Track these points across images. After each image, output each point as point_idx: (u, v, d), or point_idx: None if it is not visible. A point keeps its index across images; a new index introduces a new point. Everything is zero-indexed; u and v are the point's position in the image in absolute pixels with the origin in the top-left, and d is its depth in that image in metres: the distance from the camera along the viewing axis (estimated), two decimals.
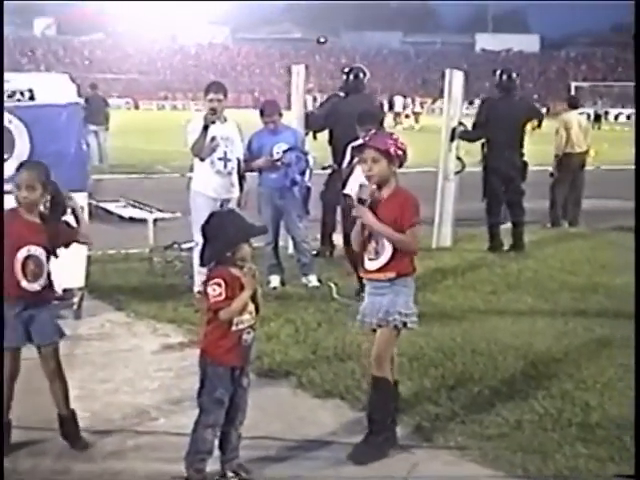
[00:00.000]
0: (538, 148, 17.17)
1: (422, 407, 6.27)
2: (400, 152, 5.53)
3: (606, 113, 68.08)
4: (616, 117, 74.18)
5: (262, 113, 10.15)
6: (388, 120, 28.12)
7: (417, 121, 51.59)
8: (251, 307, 5.14)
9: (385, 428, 5.61)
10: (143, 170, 23.21)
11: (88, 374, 6.94)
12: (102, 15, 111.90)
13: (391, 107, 50.60)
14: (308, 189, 10.17)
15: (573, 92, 68.17)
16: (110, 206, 13.73)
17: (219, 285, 5.01)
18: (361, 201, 5.51)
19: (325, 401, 6.45)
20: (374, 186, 5.52)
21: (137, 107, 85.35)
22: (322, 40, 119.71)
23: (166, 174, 22.62)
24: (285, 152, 9.92)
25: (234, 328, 5.09)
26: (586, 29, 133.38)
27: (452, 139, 12.75)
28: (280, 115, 10.23)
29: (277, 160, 9.89)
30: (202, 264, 5.34)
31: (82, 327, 8.30)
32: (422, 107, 60.97)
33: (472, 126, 12.72)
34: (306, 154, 10.10)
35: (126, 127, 34.08)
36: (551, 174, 16.14)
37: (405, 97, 57.45)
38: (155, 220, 11.64)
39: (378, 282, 5.53)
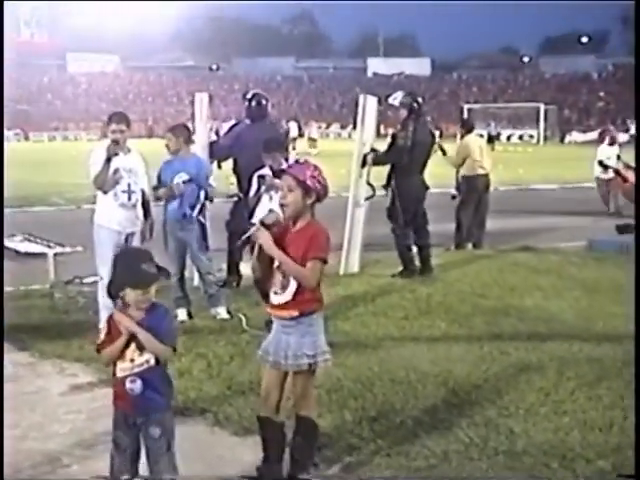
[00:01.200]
0: (436, 170, 17.27)
1: (345, 441, 6.10)
2: (319, 185, 5.35)
3: (498, 134, 69.21)
4: (508, 138, 75.54)
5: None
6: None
7: (314, 146, 51.63)
8: (134, 354, 4.89)
9: (308, 467, 5.45)
10: (37, 203, 22.67)
11: None
12: None
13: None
14: (201, 223, 9.91)
15: (466, 114, 69.27)
16: (6, 241, 13.27)
17: (103, 329, 4.96)
18: (264, 225, 5.33)
19: (244, 438, 6.22)
20: (281, 214, 5.35)
21: (27, 138, 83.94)
22: (214, 67, 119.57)
23: (61, 206, 22.15)
24: (185, 182, 9.68)
25: (118, 374, 4.91)
26: (476, 52, 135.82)
27: (364, 165, 12.64)
28: (188, 141, 10.02)
29: (169, 189, 9.66)
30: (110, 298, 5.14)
31: None
32: (319, 132, 61.27)
33: (388, 150, 12.55)
34: (200, 188, 9.82)
35: (16, 159, 33.31)
36: (453, 196, 16.22)
37: (298, 122, 57.62)
38: (55, 254, 11.29)
39: (283, 320, 5.35)
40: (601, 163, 22.34)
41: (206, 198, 9.91)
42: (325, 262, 5.32)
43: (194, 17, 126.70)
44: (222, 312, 9.94)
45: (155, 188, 9.82)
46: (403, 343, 8.69)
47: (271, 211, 5.52)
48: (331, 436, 6.13)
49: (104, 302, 9.26)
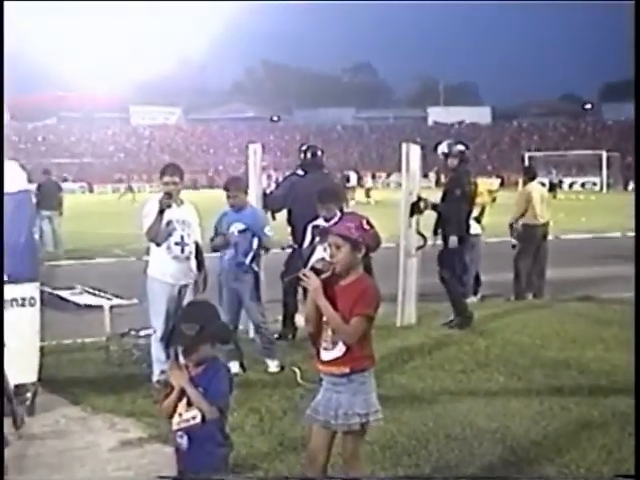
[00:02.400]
0: (496, 220, 17.07)
1: None
2: (367, 238, 5.23)
3: (560, 182, 68.69)
4: (570, 185, 74.92)
5: (227, 189, 9.89)
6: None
7: (368, 196, 51.61)
8: (182, 409, 4.80)
9: None
10: (98, 254, 22.79)
11: (42, 477, 6.52)
12: (54, 100, 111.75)
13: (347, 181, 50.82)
14: (255, 273, 9.84)
15: (527, 162, 68.88)
16: (65, 293, 13.30)
17: (160, 385, 4.90)
18: (315, 271, 5.20)
19: None
20: (322, 263, 5.23)
21: (92, 190, 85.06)
22: (275, 118, 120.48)
23: (122, 257, 22.25)
24: (240, 232, 9.64)
25: (172, 428, 4.83)
26: (536, 99, 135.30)
27: (412, 214, 12.52)
28: (245, 193, 9.99)
29: (224, 237, 9.63)
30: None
31: (35, 424, 7.86)
32: (374, 181, 61.33)
33: (443, 199, 12.44)
34: (254, 236, 9.76)
35: (81, 211, 33.70)
36: (513, 245, 16.01)
37: (358, 172, 57.82)
38: (111, 307, 11.28)
39: (333, 377, 5.20)
40: None
41: (260, 247, 9.83)
42: (371, 319, 5.18)
43: (254, 69, 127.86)
44: (273, 365, 9.82)
45: (212, 239, 9.82)
46: (460, 397, 8.50)
47: (323, 259, 5.39)
48: None
49: (157, 355, 9.21)
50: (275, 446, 7.10)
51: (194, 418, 4.77)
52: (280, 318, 11.54)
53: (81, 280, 14.01)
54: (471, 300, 13.11)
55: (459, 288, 12.35)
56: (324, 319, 5.23)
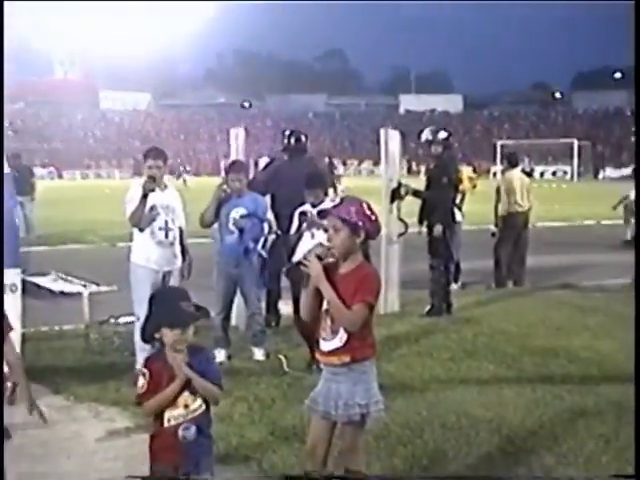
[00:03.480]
0: (476, 207, 16.99)
1: None
2: (367, 223, 5.04)
3: (532, 170, 68.84)
4: (541, 174, 75.07)
5: (227, 172, 9.71)
6: None
7: (339, 183, 51.44)
8: (188, 400, 4.62)
9: None
10: (72, 240, 22.51)
11: (26, 468, 6.31)
12: (22, 85, 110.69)
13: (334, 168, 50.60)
14: (264, 259, 9.70)
15: (499, 151, 68.98)
16: (39, 280, 13.05)
17: (143, 375, 4.65)
18: (316, 257, 5.03)
19: None
20: (321, 249, 5.05)
21: (61, 176, 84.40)
22: (246, 104, 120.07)
23: (96, 244, 22.01)
24: (243, 217, 9.46)
25: (167, 424, 4.62)
26: (508, 88, 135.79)
27: (392, 200, 12.38)
28: (246, 177, 9.83)
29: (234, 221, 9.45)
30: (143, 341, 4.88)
31: (17, 414, 7.63)
32: (345, 168, 61.20)
33: (428, 186, 12.32)
34: (263, 221, 9.62)
35: (50, 197, 33.33)
36: (492, 234, 15.93)
37: (331, 159, 57.55)
38: (90, 294, 11.06)
39: (334, 367, 5.03)
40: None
41: (270, 232, 9.67)
42: (373, 307, 5.01)
43: (225, 55, 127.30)
44: (259, 354, 9.67)
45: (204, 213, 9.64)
46: (451, 386, 8.36)
47: (321, 245, 5.21)
48: None
49: (141, 343, 9.00)
50: (266, 436, 6.93)
51: (201, 406, 4.64)
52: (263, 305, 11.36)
53: (55, 266, 13.76)
54: (452, 288, 12.97)
55: (444, 277, 12.22)
56: (324, 308, 5.06)
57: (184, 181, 54.65)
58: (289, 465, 6.21)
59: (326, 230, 5.16)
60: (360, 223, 4.98)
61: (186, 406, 4.59)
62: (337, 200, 5.41)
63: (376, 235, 5.17)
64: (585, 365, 9.18)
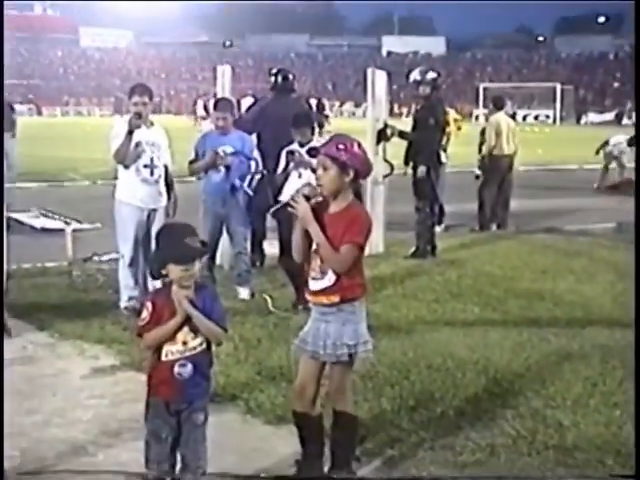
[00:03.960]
0: (459, 150, 16.92)
1: (385, 432, 5.76)
2: (357, 161, 4.94)
3: (514, 114, 68.65)
4: (524, 118, 74.85)
5: (215, 109, 9.60)
6: None
7: (328, 124, 51.21)
8: (187, 336, 4.57)
9: (350, 461, 5.12)
10: (52, 178, 22.33)
11: (12, 405, 6.26)
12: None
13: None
14: (249, 197, 9.62)
15: (481, 94, 68.79)
16: (20, 216, 12.92)
17: (147, 309, 4.58)
18: (303, 197, 4.94)
19: (278, 428, 5.86)
20: (319, 189, 4.94)
21: (40, 113, 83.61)
22: (228, 44, 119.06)
23: (77, 182, 21.87)
24: (230, 155, 9.36)
25: (164, 358, 4.56)
26: (491, 31, 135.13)
27: (379, 141, 12.29)
28: (233, 115, 9.70)
29: (218, 155, 9.30)
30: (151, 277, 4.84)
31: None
32: (331, 110, 60.86)
33: (414, 127, 12.24)
34: (249, 159, 9.53)
35: (30, 134, 32.94)
36: (477, 176, 15.90)
37: (320, 100, 57.17)
38: (73, 231, 10.97)
39: (323, 307, 4.98)
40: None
41: (257, 171, 9.58)
42: (362, 248, 4.93)
43: None
44: (244, 293, 9.63)
45: (192, 161, 9.57)
46: (437, 327, 8.36)
47: (309, 184, 5.10)
48: (370, 427, 5.79)
49: (125, 281, 8.97)
50: (253, 375, 6.90)
51: (201, 345, 4.58)
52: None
53: (36, 203, 13.65)
54: (435, 230, 12.94)
55: (429, 219, 12.18)
56: (313, 248, 4.98)
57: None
58: (277, 405, 6.20)
59: (314, 170, 5.07)
60: (349, 162, 4.88)
61: (184, 343, 4.54)
62: (326, 139, 5.28)
63: (367, 174, 5.08)
64: (570, 308, 9.21)
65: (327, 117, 45.32)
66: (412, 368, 6.99)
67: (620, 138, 22.74)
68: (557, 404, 6.24)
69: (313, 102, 46.50)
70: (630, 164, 20.79)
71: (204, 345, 4.59)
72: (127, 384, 6.76)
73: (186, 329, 4.53)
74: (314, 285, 4.97)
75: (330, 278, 4.88)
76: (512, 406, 6.20)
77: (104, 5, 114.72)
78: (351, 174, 4.89)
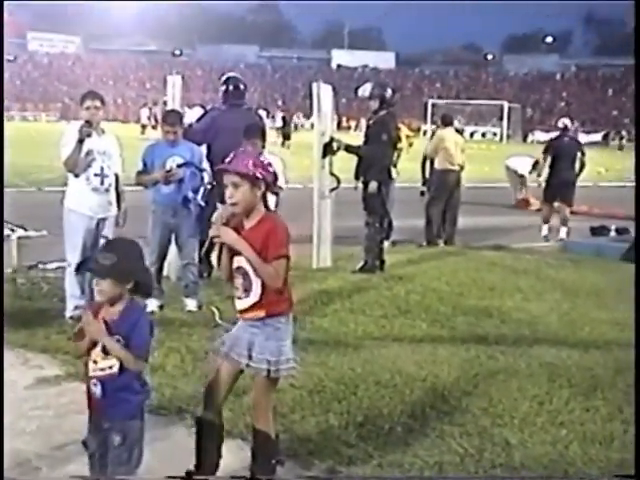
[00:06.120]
0: (407, 165, 16.99)
1: (332, 448, 5.73)
2: (265, 173, 4.89)
3: (462, 131, 69.08)
4: (471, 135, 75.36)
5: (164, 121, 9.52)
6: None
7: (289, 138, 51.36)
8: (97, 356, 4.47)
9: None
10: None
11: None
12: None
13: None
14: (202, 208, 9.55)
15: (430, 110, 69.15)
16: None
17: (82, 317, 4.58)
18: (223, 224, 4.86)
19: (225, 442, 5.82)
20: (230, 208, 4.84)
21: None
22: (177, 53, 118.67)
23: (23, 188, 21.62)
24: (180, 167, 9.28)
25: (88, 374, 4.55)
26: (440, 47, 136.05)
27: (324, 155, 12.30)
28: (181, 126, 9.63)
29: (169, 173, 9.22)
30: None
31: None
32: (273, 121, 60.90)
33: (366, 142, 12.25)
34: (202, 170, 9.47)
35: None
36: (422, 192, 15.94)
37: (268, 112, 57.12)
38: (18, 238, 10.85)
39: (249, 321, 4.93)
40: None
41: (208, 182, 9.50)
42: (288, 258, 4.90)
43: (157, 2, 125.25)
44: (191, 304, 9.57)
45: (140, 172, 9.44)
46: (385, 343, 8.34)
47: (222, 209, 5.02)
48: (317, 442, 5.77)
49: (71, 290, 8.87)
50: (199, 388, 6.80)
51: (111, 368, 4.44)
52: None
53: None
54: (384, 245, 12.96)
55: (379, 234, 12.19)
56: (234, 266, 4.92)
57: None
58: (224, 419, 6.13)
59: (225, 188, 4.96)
60: (260, 175, 4.83)
61: (95, 362, 4.46)
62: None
63: (275, 186, 5.04)
64: (517, 326, 9.26)
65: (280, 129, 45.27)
66: (360, 384, 6.95)
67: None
68: (504, 422, 6.25)
69: (263, 113, 46.48)
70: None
71: (115, 369, 4.44)
72: (72, 395, 6.65)
73: (97, 349, 4.45)
74: (240, 304, 4.96)
75: (255, 294, 4.85)
76: (460, 423, 6.19)
77: (52, 10, 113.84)
78: (262, 187, 4.85)
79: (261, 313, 4.86)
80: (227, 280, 5.08)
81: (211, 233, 4.85)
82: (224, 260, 4.96)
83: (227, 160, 4.92)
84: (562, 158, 17.06)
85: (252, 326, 4.91)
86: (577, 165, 17.18)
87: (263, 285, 4.84)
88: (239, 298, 4.95)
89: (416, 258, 13.24)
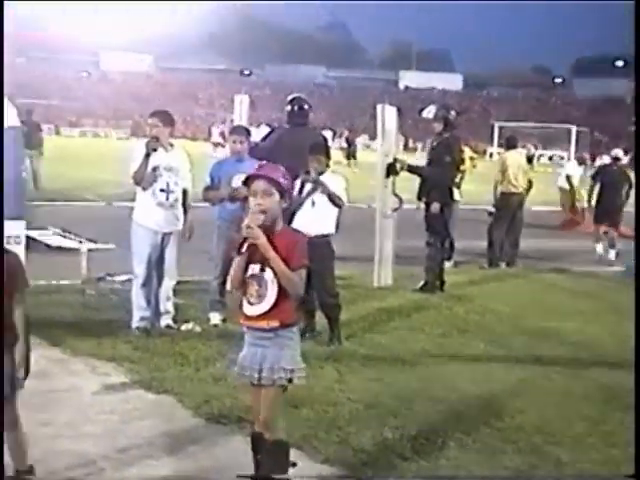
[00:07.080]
0: (471, 187, 17.08)
1: (386, 460, 5.88)
2: (290, 187, 5.00)
3: (532, 155, 68.67)
4: (538, 158, 74.92)
5: (232, 133, 9.77)
6: None
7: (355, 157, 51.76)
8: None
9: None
10: (68, 197, 22.51)
11: (25, 416, 6.38)
12: (22, 39, 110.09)
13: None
14: None
15: (496, 132, 68.89)
16: (36, 234, 13.07)
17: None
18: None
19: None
20: (261, 215, 4.87)
21: (58, 133, 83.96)
22: (247, 72, 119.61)
23: (95, 202, 22.07)
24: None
25: None
26: (508, 70, 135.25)
27: (388, 175, 12.47)
28: (248, 141, 9.87)
29: (235, 191, 9.40)
30: None
31: None
32: (339, 140, 61.19)
33: (429, 163, 12.41)
34: None
35: (50, 154, 33.25)
36: (489, 213, 16.02)
37: (334, 132, 57.44)
38: (88, 251, 11.16)
39: (259, 331, 4.97)
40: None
41: None
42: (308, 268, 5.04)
43: (227, 21, 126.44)
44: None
45: (208, 188, 9.62)
46: (442, 361, 8.47)
47: (258, 212, 5.11)
48: (370, 453, 5.92)
49: (138, 302, 9.11)
50: None
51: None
52: None
53: (52, 222, 13.82)
54: (445, 265, 13.08)
55: (440, 254, 12.32)
56: (249, 273, 5.01)
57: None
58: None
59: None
60: (286, 187, 4.95)
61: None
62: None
63: (290, 199, 5.15)
64: (575, 348, 9.31)
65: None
66: (416, 400, 7.10)
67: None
68: (557, 441, 6.34)
69: (328, 134, 46.81)
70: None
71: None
72: (136, 402, 6.91)
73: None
74: (251, 310, 4.93)
75: (269, 301, 4.89)
76: (512, 440, 6.30)
77: (124, 28, 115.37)
78: (287, 200, 4.99)
79: (275, 323, 4.92)
80: (235, 288, 5.10)
81: (246, 234, 4.90)
82: (239, 266, 5.02)
83: (257, 167, 5.07)
84: (609, 186, 17.38)
85: (262, 338, 4.95)
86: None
87: (278, 293, 4.90)
88: (251, 304, 4.96)
89: (477, 279, 13.33)
